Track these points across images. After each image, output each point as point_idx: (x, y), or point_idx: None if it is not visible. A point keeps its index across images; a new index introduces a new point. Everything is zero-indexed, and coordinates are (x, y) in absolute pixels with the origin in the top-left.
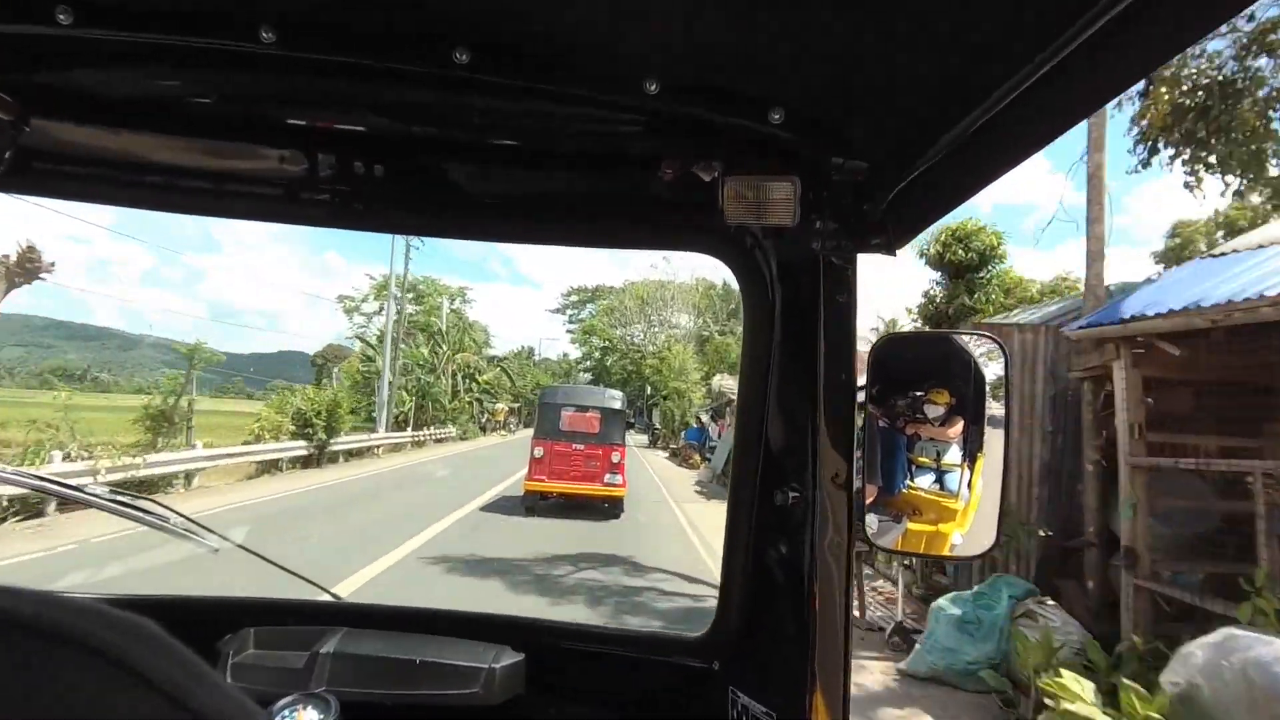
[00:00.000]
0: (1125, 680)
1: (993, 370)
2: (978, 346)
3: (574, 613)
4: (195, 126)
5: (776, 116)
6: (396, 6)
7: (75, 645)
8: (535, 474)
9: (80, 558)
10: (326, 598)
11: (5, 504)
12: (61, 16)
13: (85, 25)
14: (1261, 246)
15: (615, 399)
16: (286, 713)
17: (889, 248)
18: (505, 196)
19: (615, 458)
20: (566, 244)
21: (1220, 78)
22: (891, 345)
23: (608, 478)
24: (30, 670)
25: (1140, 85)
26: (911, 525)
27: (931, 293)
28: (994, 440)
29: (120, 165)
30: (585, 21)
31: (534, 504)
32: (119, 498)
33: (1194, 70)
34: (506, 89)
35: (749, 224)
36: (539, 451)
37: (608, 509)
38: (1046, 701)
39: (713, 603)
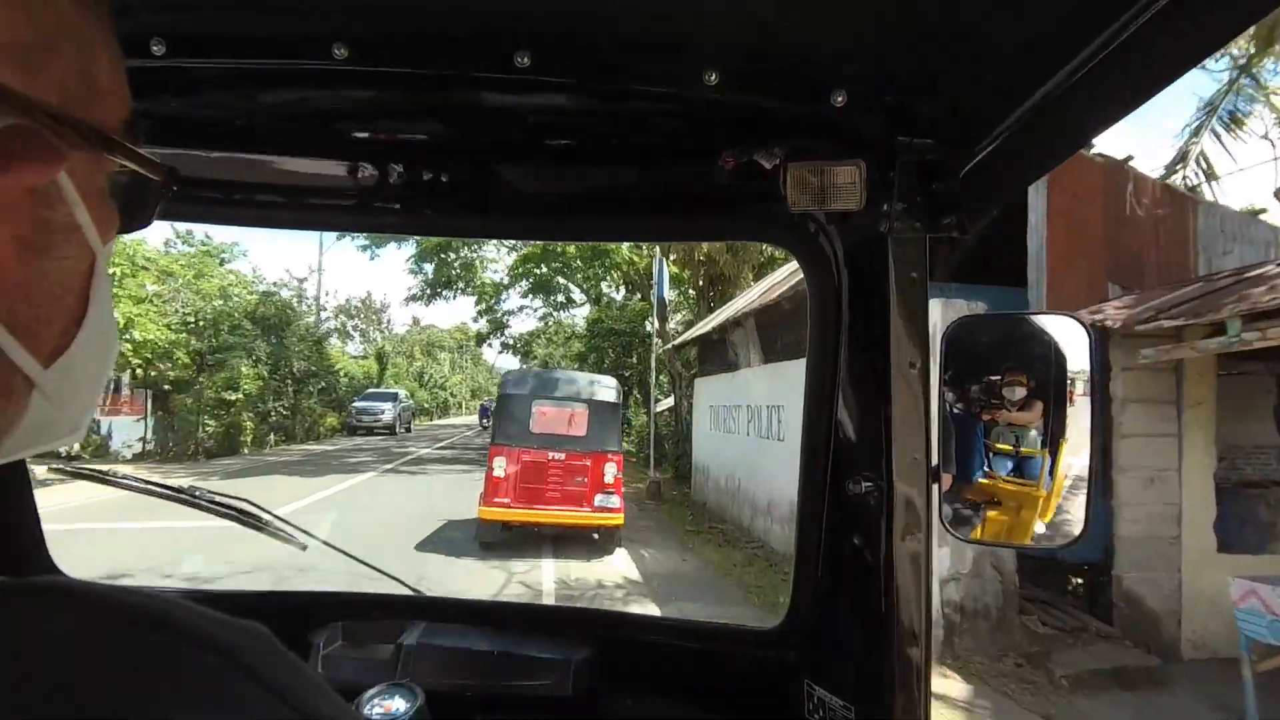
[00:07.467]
0: None
1: (1075, 352)
2: (1058, 328)
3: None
4: (275, 145)
5: (839, 99)
6: (457, 15)
7: (214, 650)
8: (495, 497)
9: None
10: (406, 592)
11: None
12: (156, 49)
13: (177, 55)
14: None
15: (608, 388)
16: (376, 701)
17: (961, 227)
18: (569, 196)
19: (609, 471)
20: (630, 239)
21: None
22: (966, 328)
23: (599, 499)
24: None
25: None
26: (991, 514)
27: None
28: (1078, 424)
29: (209, 186)
30: (642, 16)
31: (494, 539)
32: (216, 498)
33: None
34: (567, 88)
35: (813, 210)
36: (500, 464)
37: (598, 542)
38: None
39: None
